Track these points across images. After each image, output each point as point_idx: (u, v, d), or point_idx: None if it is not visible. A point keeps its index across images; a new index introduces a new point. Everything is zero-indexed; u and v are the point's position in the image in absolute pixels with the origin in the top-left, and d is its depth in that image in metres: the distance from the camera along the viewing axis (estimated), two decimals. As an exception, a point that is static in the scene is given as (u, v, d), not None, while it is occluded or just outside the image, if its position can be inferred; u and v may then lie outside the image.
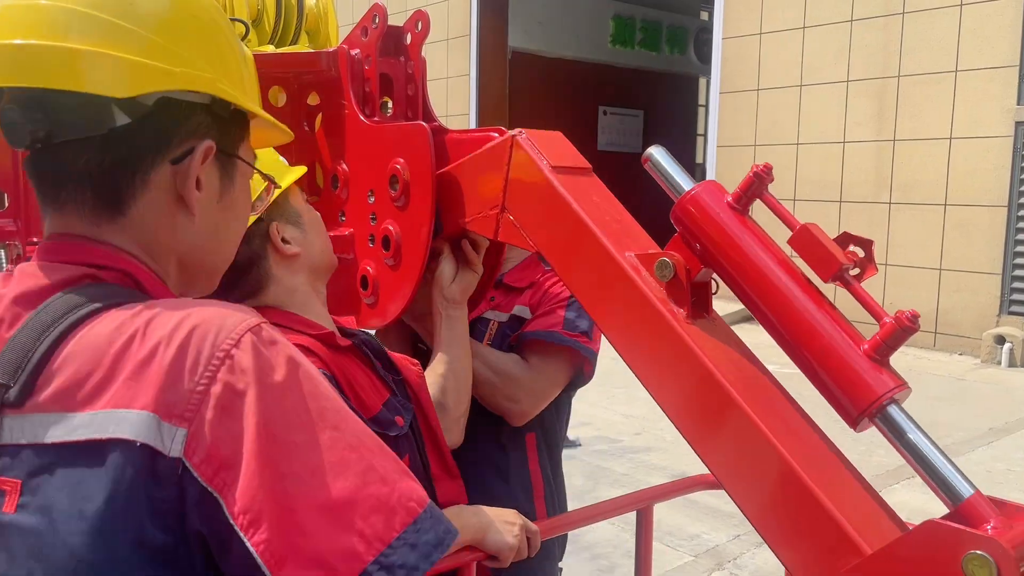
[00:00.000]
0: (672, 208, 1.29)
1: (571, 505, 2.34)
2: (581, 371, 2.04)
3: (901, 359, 9.01)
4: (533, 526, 1.65)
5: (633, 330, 1.29)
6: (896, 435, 1.08)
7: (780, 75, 10.23)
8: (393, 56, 1.87)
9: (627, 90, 16.96)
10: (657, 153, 1.35)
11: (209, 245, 1.00)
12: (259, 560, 0.75)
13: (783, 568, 1.15)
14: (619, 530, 4.47)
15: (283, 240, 1.48)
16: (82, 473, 0.77)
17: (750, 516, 1.15)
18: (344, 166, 1.85)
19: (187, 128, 0.92)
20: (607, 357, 2.03)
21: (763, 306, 1.19)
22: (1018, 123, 8.41)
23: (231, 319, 0.82)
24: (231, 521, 0.76)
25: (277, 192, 1.45)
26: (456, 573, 1.68)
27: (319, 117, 1.93)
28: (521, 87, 14.98)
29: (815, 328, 1.14)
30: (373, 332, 1.95)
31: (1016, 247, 8.55)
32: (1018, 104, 8.40)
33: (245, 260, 1.43)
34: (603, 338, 1.61)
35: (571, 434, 6.11)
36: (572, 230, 1.39)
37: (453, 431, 1.74)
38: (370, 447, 0.84)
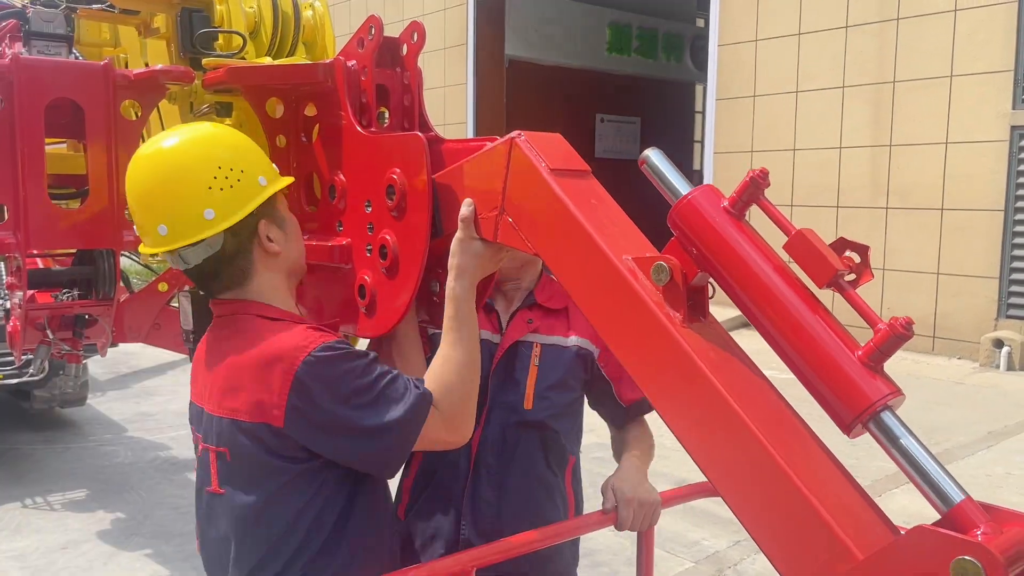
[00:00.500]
0: (669, 212, 1.29)
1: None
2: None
3: (900, 363, 9.02)
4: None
5: (629, 333, 1.29)
6: (889, 441, 1.08)
7: (776, 81, 10.27)
8: (389, 67, 1.88)
9: (624, 97, 17.01)
10: (654, 156, 1.35)
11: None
12: None
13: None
14: (620, 537, 4.46)
15: (268, 238, 1.60)
16: None
17: (744, 521, 1.15)
18: (341, 176, 1.86)
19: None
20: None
21: (758, 311, 1.19)
22: (1014, 127, 8.44)
23: None
24: None
25: (270, 192, 1.59)
26: None
27: (316, 128, 1.94)
28: (518, 95, 15.01)
29: (810, 334, 1.14)
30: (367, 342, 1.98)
31: (1013, 251, 8.57)
32: (1013, 108, 8.43)
33: (232, 250, 1.58)
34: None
35: (570, 441, 6.11)
36: (570, 232, 1.38)
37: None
38: None
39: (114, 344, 2.80)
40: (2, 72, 1.91)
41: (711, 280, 1.29)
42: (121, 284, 2.34)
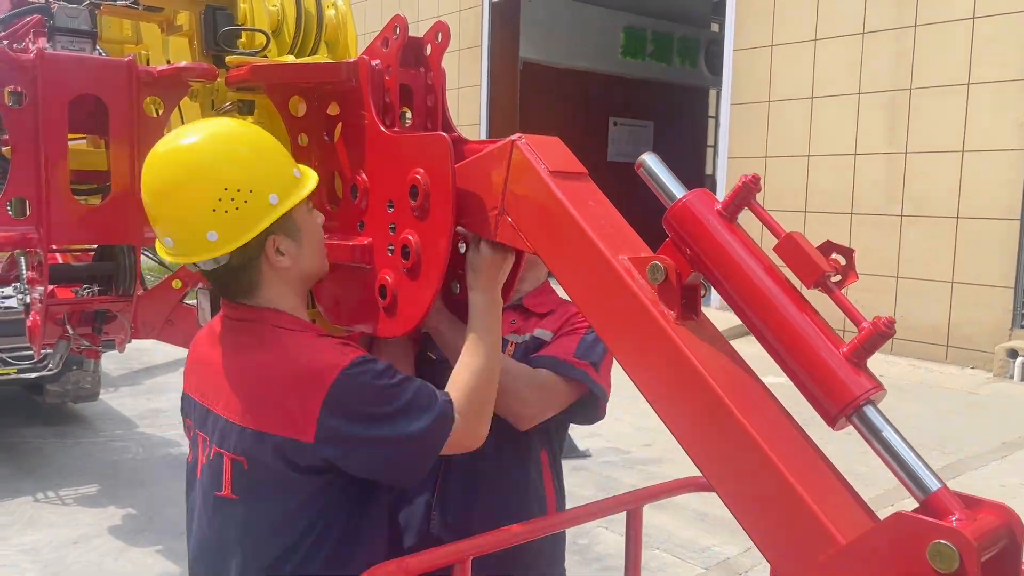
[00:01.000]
0: (664, 214, 1.34)
1: None
2: (586, 400, 2.05)
3: (913, 372, 8.98)
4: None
5: (625, 330, 1.35)
6: (872, 433, 1.14)
7: (791, 87, 10.23)
8: (413, 67, 1.87)
9: (637, 101, 17.00)
10: (650, 160, 1.41)
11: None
12: None
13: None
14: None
15: (278, 251, 1.58)
16: None
17: (732, 507, 1.21)
18: (364, 176, 1.86)
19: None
20: (616, 369, 2.04)
21: (749, 310, 1.25)
22: (1031, 136, 8.38)
23: None
24: None
25: (280, 211, 1.54)
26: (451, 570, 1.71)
27: (339, 127, 1.94)
28: (532, 97, 15.03)
29: (797, 331, 1.20)
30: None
31: (1029, 260, 8.51)
32: (1031, 117, 8.37)
33: (239, 263, 1.55)
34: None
35: (581, 445, 6.10)
36: (568, 232, 1.44)
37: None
38: None
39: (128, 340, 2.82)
40: (27, 67, 1.91)
41: (704, 280, 1.34)
42: (136, 280, 2.36)
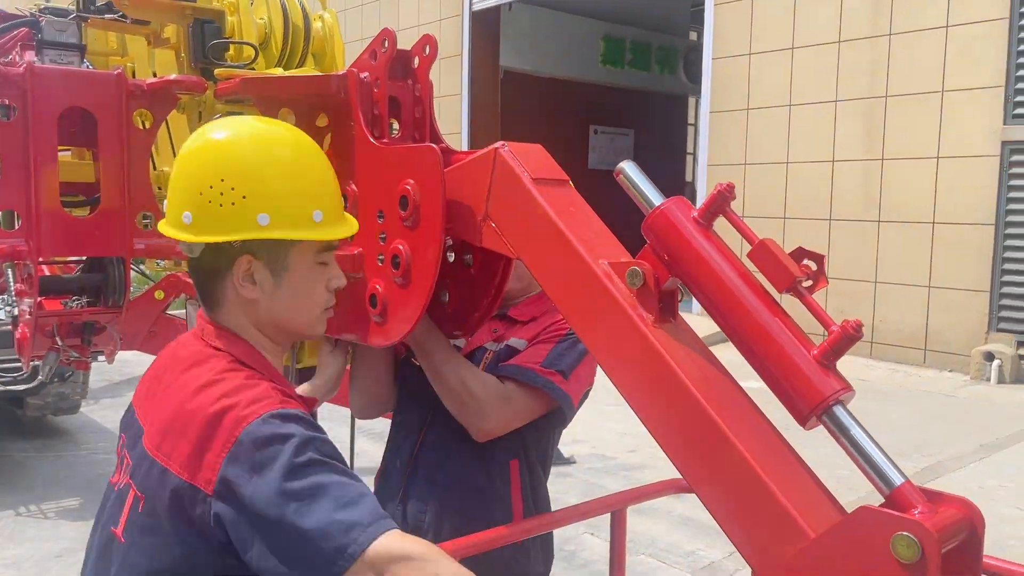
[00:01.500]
0: (643, 221, 1.39)
1: None
2: (558, 409, 2.03)
3: (892, 376, 9.07)
4: None
5: (605, 332, 1.39)
6: (841, 431, 1.19)
7: (769, 95, 10.35)
8: (401, 79, 1.90)
9: (617, 109, 17.10)
10: (628, 168, 1.45)
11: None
12: None
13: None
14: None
15: (251, 277, 1.40)
16: None
17: (710, 508, 1.25)
18: (353, 186, 1.88)
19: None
20: (599, 375, 2.06)
21: (723, 314, 1.30)
22: (1004, 142, 8.53)
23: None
24: None
25: (264, 235, 1.37)
26: None
27: (327, 138, 1.96)
28: (513, 106, 15.08)
29: (770, 334, 1.24)
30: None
31: (1004, 264, 8.65)
32: (1004, 124, 8.52)
33: (207, 267, 1.42)
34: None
35: (566, 452, 6.12)
36: (550, 238, 1.48)
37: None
38: None
39: (111, 351, 2.81)
40: (16, 80, 1.92)
41: (681, 285, 1.38)
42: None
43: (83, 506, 5.38)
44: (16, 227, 2.01)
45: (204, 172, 1.37)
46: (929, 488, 1.15)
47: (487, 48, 14.63)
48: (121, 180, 2.04)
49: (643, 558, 4.53)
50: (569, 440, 6.26)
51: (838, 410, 1.19)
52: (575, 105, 16.26)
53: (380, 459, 2.21)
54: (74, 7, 2.30)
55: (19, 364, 4.43)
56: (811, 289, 1.25)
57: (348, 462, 2.14)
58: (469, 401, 1.95)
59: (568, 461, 6.01)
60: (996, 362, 8.46)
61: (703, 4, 11.34)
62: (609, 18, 16.20)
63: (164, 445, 1.30)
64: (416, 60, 1.91)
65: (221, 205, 1.35)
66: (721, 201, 1.31)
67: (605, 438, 6.37)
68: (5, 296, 2.25)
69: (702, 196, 10.86)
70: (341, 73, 1.88)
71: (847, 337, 1.17)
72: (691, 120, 19.08)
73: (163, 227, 1.43)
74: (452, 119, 14.54)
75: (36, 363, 2.25)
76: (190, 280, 2.64)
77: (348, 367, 2.27)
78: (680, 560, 4.53)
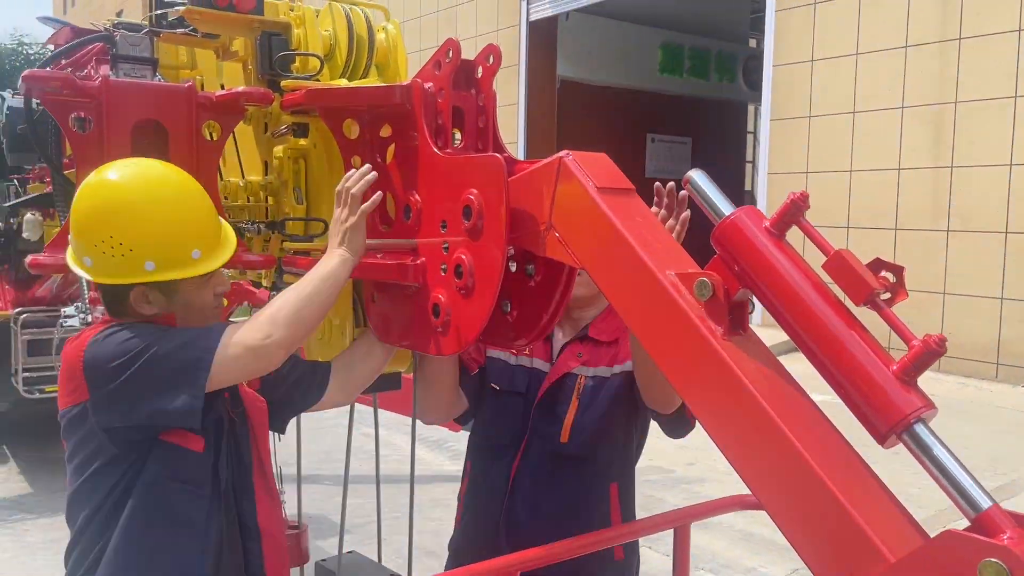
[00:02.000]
0: (712, 230, 1.35)
1: None
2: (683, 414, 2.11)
3: (963, 390, 8.77)
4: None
5: (672, 345, 1.36)
6: (922, 451, 1.14)
7: (832, 102, 10.14)
8: (465, 89, 1.91)
9: (675, 117, 16.95)
10: (697, 176, 1.42)
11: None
12: None
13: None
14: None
15: (146, 299, 1.72)
16: None
17: (781, 524, 1.21)
18: (416, 196, 1.89)
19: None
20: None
21: (798, 327, 1.26)
22: (1082, 149, 8.21)
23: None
24: None
25: (151, 278, 1.68)
26: None
27: (391, 148, 1.98)
28: (569, 115, 15.06)
29: (847, 349, 1.20)
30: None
31: (1081, 276, 8.31)
32: (1081, 130, 8.20)
33: (110, 291, 1.74)
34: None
35: (623, 463, 6.06)
36: (615, 248, 1.46)
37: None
38: None
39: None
40: (92, 94, 1.97)
41: (752, 297, 1.35)
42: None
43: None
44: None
45: (95, 227, 1.67)
46: (1019, 512, 1.08)
47: (544, 58, 14.65)
48: (190, 190, 2.07)
49: (703, 573, 4.45)
50: (626, 452, 6.20)
51: (920, 428, 1.14)
52: (632, 113, 16.16)
53: (436, 465, 2.23)
54: (147, 22, 2.36)
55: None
56: (890, 302, 1.21)
57: (409, 470, 2.15)
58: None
59: (625, 473, 5.94)
60: (1074, 377, 8.12)
61: (763, 11, 11.18)
62: (667, 26, 16.09)
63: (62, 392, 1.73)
64: (480, 70, 1.92)
65: (112, 256, 1.65)
66: (795, 210, 1.28)
67: (664, 450, 6.27)
68: (79, 304, 2.31)
69: (762, 205, 10.68)
70: (405, 84, 1.90)
71: (929, 352, 1.13)
72: (750, 128, 18.81)
73: (71, 262, 1.75)
74: (509, 129, 14.58)
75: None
76: (253, 288, 2.70)
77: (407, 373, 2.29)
78: (740, 576, 4.44)
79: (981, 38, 8.83)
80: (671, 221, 2.03)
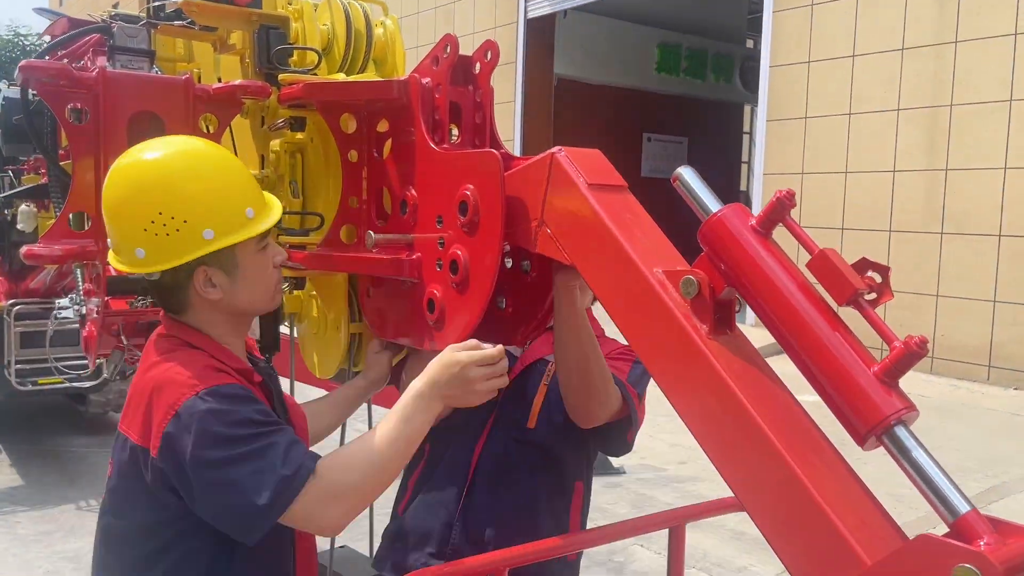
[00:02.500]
0: (699, 228, 1.35)
1: None
2: (623, 424, 2.00)
3: (954, 392, 8.80)
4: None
5: (657, 343, 1.36)
6: (901, 453, 1.13)
7: (828, 103, 10.16)
8: (462, 85, 1.91)
9: (672, 117, 16.97)
10: (686, 174, 1.42)
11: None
12: None
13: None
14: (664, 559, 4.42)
15: (209, 282, 1.58)
16: None
17: (761, 527, 1.20)
18: (413, 192, 1.89)
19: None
20: (651, 385, 2.01)
21: (781, 326, 1.25)
22: (1076, 153, 8.24)
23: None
24: None
25: (213, 247, 1.54)
26: None
27: (388, 143, 1.98)
28: (566, 114, 15.06)
29: (828, 349, 1.19)
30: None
31: (1074, 280, 8.34)
32: (1076, 134, 8.23)
33: (168, 283, 1.58)
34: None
35: (616, 462, 6.07)
36: (604, 244, 1.46)
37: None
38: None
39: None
40: (89, 85, 1.97)
41: (737, 295, 1.33)
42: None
43: (141, 502, 5.50)
44: (86, 228, 2.06)
45: (140, 208, 1.52)
46: (998, 518, 1.08)
47: (541, 56, 14.64)
48: (187, 183, 2.07)
49: (694, 572, 4.46)
50: (619, 450, 6.20)
51: (899, 430, 1.13)
52: (629, 113, 16.18)
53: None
54: (144, 14, 2.36)
55: (85, 362, 4.55)
56: (875, 303, 1.20)
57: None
58: (603, 388, 1.89)
59: (618, 471, 5.95)
60: (1065, 380, 8.16)
61: (760, 11, 11.20)
62: (665, 26, 16.10)
63: (125, 419, 1.56)
64: (477, 66, 1.92)
65: (168, 235, 1.50)
66: (780, 209, 1.27)
67: (656, 449, 6.29)
68: (74, 295, 2.31)
69: (757, 206, 10.71)
70: (403, 79, 1.90)
71: (910, 354, 1.12)
72: (746, 129, 18.84)
73: (116, 263, 1.58)
74: (505, 126, 14.57)
75: (101, 361, 2.31)
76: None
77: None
78: (732, 575, 4.45)
79: (977, 41, 8.86)
80: None
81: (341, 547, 2.81)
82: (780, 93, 10.70)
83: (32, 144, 3.07)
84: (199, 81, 2.59)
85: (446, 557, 1.98)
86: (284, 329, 2.40)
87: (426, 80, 1.87)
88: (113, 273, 1.70)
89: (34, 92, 2.07)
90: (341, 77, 2.18)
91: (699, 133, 17.40)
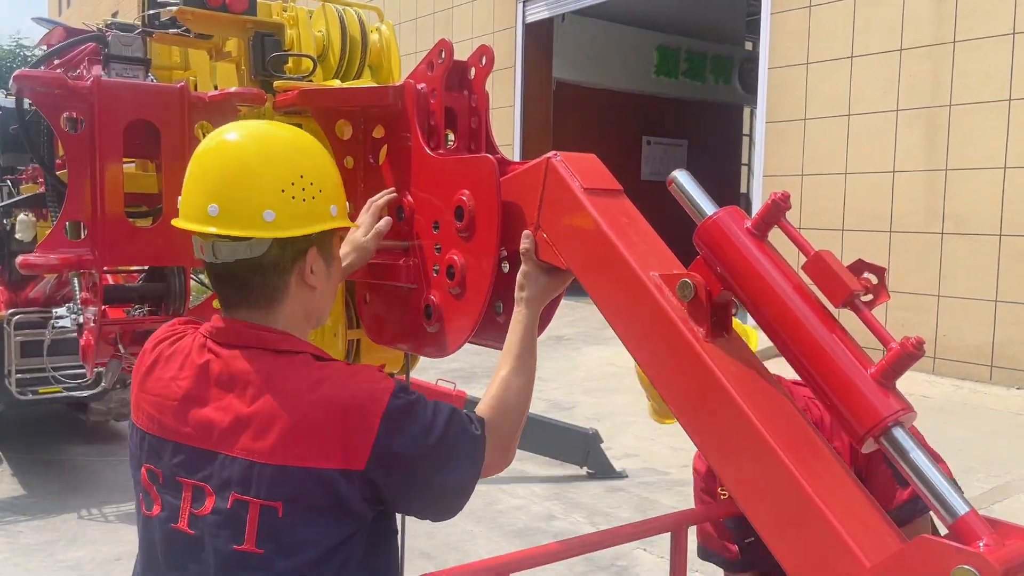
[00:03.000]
0: (695, 231, 1.35)
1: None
2: None
3: (956, 392, 8.76)
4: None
5: (654, 346, 1.37)
6: (899, 455, 1.13)
7: (827, 105, 10.16)
8: (457, 90, 1.91)
9: (671, 120, 16.99)
10: (681, 177, 1.42)
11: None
12: None
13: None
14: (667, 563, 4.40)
15: (311, 269, 1.46)
16: None
17: (760, 529, 1.20)
18: (409, 197, 1.89)
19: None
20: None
21: (776, 329, 1.25)
22: (1076, 152, 8.23)
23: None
24: None
25: (336, 224, 1.47)
26: None
27: (384, 149, 1.98)
28: (565, 118, 15.08)
29: (825, 351, 1.20)
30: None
31: (1075, 279, 8.33)
32: (1075, 133, 8.23)
33: (271, 263, 1.41)
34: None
35: (618, 466, 6.07)
36: (600, 248, 1.46)
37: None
38: None
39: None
40: (84, 94, 1.97)
41: (734, 299, 1.33)
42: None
43: (142, 510, 5.50)
44: (82, 237, 2.06)
45: (282, 169, 1.41)
46: (998, 519, 1.08)
47: (540, 60, 14.67)
48: (183, 191, 2.07)
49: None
50: (621, 454, 6.20)
51: (897, 432, 1.13)
52: (628, 116, 16.19)
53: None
54: (139, 23, 2.35)
55: (83, 371, 4.55)
56: (871, 304, 1.20)
57: None
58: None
59: (620, 475, 5.95)
60: (1067, 380, 8.14)
61: (759, 13, 11.20)
62: (663, 29, 16.12)
63: (295, 448, 1.33)
64: (472, 71, 1.92)
65: (304, 200, 1.40)
66: (776, 211, 1.27)
67: (658, 452, 6.28)
68: (71, 305, 2.31)
69: (757, 207, 10.69)
70: (398, 84, 1.90)
71: (907, 355, 1.13)
72: (746, 131, 18.85)
73: (222, 230, 1.38)
74: (505, 131, 14.59)
75: (100, 370, 2.31)
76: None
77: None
78: (735, 578, 4.44)
79: (975, 41, 8.86)
80: None
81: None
82: (779, 95, 10.71)
83: (29, 154, 3.07)
84: (195, 89, 2.59)
85: None
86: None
87: (421, 86, 1.87)
88: (201, 253, 1.43)
89: (29, 102, 2.07)
90: (336, 83, 2.18)
91: (699, 135, 17.41)
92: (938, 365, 9.09)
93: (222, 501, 1.36)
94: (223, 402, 1.38)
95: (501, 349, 1.69)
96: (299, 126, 2.16)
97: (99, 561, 4.72)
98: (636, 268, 1.40)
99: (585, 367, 9.52)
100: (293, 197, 1.39)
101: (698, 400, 1.29)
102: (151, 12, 2.31)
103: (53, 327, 4.40)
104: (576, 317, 11.04)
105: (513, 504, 5.52)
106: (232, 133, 1.45)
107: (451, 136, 1.96)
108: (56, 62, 2.60)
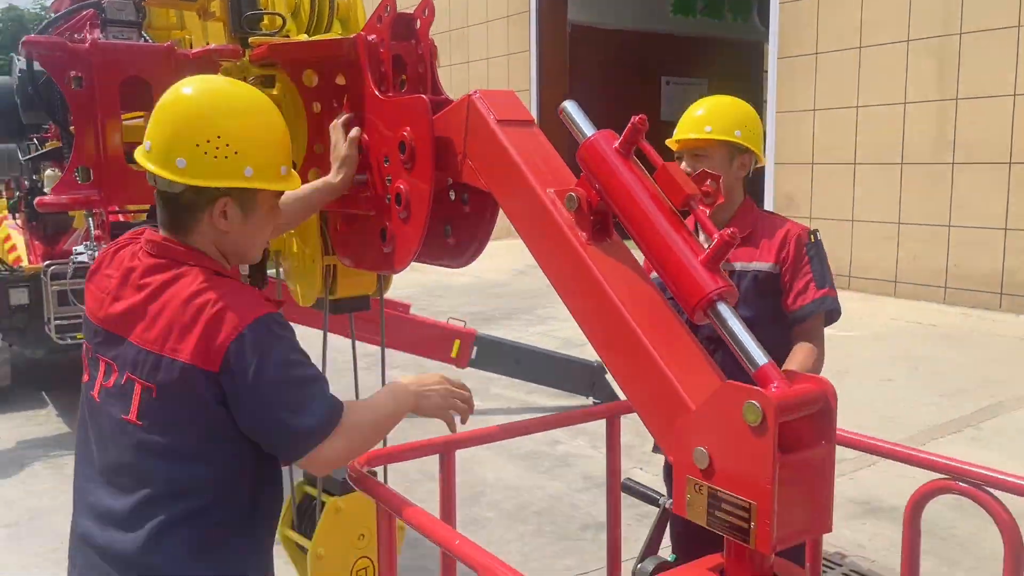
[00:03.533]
0: (576, 151, 1.61)
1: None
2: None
3: (966, 320, 8.82)
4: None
5: (549, 250, 1.64)
6: (721, 323, 1.40)
7: (839, 38, 10.13)
8: (405, 39, 2.15)
9: (690, 59, 16.85)
10: (569, 106, 1.70)
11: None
12: None
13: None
14: (648, 476, 4.69)
15: (224, 214, 1.67)
16: None
17: (622, 387, 1.50)
18: (365, 136, 2.16)
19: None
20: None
21: (633, 226, 1.53)
22: (1085, 77, 8.18)
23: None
24: None
25: (246, 185, 1.66)
26: None
27: (346, 95, 2.24)
28: (582, 60, 15.06)
29: (667, 242, 1.47)
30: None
31: (1084, 204, 8.34)
32: (1085, 57, 8.16)
33: (187, 201, 1.66)
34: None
35: (622, 395, 6.34)
36: (510, 171, 1.73)
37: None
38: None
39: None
40: (83, 55, 2.25)
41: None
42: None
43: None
44: (90, 180, 2.36)
45: (201, 126, 1.63)
46: (798, 372, 1.36)
47: (554, 3, 14.63)
48: (174, 138, 2.35)
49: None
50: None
51: (720, 306, 1.40)
52: (646, 57, 16.11)
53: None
54: (133, -14, 2.62)
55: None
56: (709, 205, 1.46)
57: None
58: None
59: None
60: (1074, 305, 8.21)
61: (771, -53, 11.10)
62: (679, -34, 15.95)
63: (170, 342, 1.60)
64: (418, 22, 2.16)
65: (215, 157, 1.62)
66: (634, 133, 1.54)
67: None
68: (88, 243, 2.61)
69: (771, 144, 10.76)
70: (352, 36, 2.15)
71: (724, 243, 1.39)
72: (766, 67, 18.61)
73: (149, 164, 1.64)
74: (521, 77, 14.64)
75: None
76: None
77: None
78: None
79: (986, -33, 8.76)
80: None
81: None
82: (790, 30, 10.68)
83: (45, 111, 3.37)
84: (191, 47, 2.87)
85: None
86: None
87: (371, 37, 2.12)
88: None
89: (38, 63, 2.36)
90: (304, 38, 2.44)
91: (719, 74, 17.24)
92: (949, 295, 9.20)
93: (120, 377, 1.66)
94: (133, 299, 1.67)
95: (453, 268, 2.06)
96: (273, 77, 2.44)
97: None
98: (536, 186, 1.66)
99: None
100: (205, 153, 1.61)
101: (579, 292, 1.56)
102: (143, -24, 2.57)
103: (73, 263, 4.75)
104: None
105: (520, 431, 5.83)
106: (188, 87, 1.69)
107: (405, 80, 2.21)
108: (63, 27, 2.89)
